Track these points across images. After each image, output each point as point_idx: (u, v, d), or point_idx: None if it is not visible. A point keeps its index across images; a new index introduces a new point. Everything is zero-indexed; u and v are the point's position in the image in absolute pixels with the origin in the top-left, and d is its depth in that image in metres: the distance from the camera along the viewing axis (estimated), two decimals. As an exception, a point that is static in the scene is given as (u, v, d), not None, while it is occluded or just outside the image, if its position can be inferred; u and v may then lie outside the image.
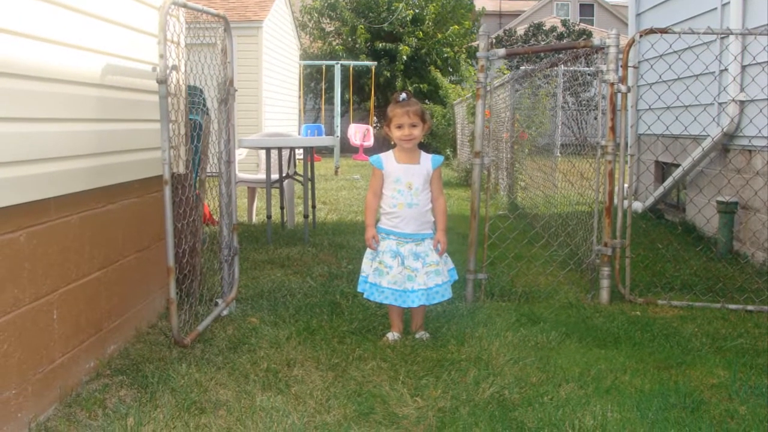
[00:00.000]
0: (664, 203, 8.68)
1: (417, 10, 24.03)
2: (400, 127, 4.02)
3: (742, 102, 6.53)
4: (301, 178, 7.55)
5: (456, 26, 23.58)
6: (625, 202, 5.44)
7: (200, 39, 4.76)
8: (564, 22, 24.65)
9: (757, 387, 3.38)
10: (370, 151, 20.20)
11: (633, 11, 9.75)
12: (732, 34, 6.12)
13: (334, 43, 24.82)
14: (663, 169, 8.83)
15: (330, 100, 20.71)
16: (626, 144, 5.25)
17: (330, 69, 19.12)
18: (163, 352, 3.77)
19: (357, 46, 23.96)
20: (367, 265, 4.12)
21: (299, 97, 19.95)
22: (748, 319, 4.62)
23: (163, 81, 3.60)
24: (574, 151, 7.31)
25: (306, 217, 7.12)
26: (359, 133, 20.59)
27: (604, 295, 5.02)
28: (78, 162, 3.33)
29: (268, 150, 7.43)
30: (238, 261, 4.80)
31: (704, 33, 5.46)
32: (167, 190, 3.62)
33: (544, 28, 23.69)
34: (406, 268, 4.01)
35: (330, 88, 20.97)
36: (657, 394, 3.29)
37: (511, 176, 10.49)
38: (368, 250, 4.13)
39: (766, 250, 5.97)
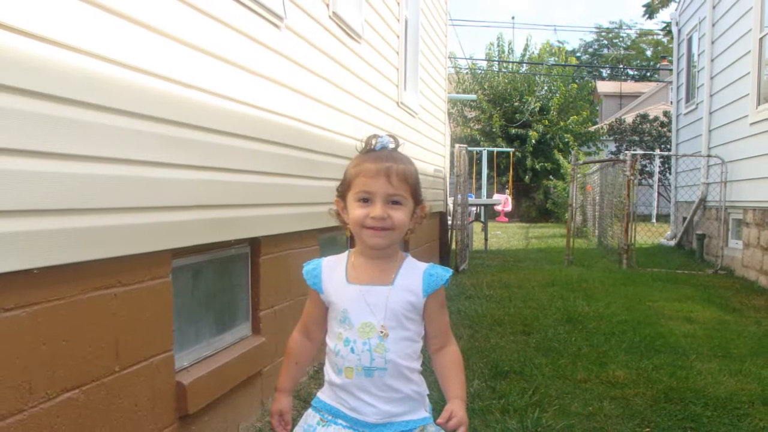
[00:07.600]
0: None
1: (543, 102, 29.88)
2: (365, 200, 1.88)
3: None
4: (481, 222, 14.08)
5: (575, 116, 29.22)
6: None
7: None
8: (666, 113, 27.32)
9: None
10: (509, 215, 26.13)
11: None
12: None
13: (473, 128, 30.85)
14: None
15: (475, 176, 26.49)
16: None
17: (477, 152, 24.98)
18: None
19: (493, 130, 29.87)
20: None
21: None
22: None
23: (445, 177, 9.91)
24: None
25: (486, 240, 13.59)
26: (500, 200, 26.22)
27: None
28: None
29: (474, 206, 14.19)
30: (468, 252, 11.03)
31: None
32: (446, 217, 9.92)
33: (649, 118, 28.23)
34: None
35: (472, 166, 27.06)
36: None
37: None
38: None
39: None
